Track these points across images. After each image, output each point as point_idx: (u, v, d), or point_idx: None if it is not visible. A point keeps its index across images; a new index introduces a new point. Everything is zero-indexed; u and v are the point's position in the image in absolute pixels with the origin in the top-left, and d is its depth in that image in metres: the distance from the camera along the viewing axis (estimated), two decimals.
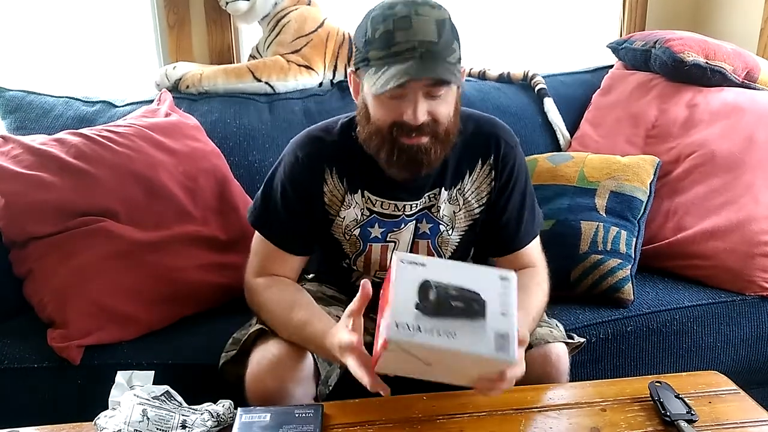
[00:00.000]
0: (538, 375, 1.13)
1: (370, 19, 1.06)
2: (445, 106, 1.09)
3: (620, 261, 1.52)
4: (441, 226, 1.23)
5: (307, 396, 1.12)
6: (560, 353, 1.17)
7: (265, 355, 1.11)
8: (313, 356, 1.14)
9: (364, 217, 1.21)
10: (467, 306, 0.87)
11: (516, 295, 0.90)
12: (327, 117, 1.28)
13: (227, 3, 1.87)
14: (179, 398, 1.03)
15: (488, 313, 0.87)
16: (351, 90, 1.18)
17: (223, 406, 1.03)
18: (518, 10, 2.25)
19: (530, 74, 2.01)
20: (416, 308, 0.86)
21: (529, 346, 1.14)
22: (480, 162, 1.21)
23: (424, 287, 0.88)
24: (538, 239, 1.29)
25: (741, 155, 1.64)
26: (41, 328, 1.34)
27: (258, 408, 1.02)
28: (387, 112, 1.08)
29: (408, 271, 0.88)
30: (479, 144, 1.21)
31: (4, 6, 1.86)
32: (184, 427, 0.97)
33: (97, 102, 1.75)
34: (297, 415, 1.00)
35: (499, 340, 0.86)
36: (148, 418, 0.95)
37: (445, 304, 0.87)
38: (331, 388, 1.16)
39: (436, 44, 1.03)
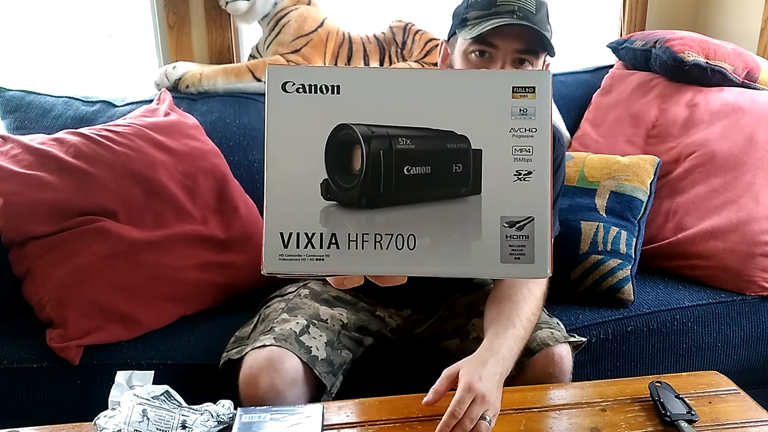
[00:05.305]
0: (541, 377, 1.13)
1: None
2: None
3: (620, 261, 1.52)
4: None
5: (299, 397, 1.11)
6: (563, 354, 1.17)
7: (256, 358, 1.10)
8: (314, 368, 1.13)
9: None
10: None
11: None
12: None
13: (227, 3, 1.86)
14: (179, 398, 1.02)
15: None
16: (438, 61, 1.26)
17: (223, 406, 1.02)
18: None
19: None
20: None
21: (531, 352, 1.15)
22: None
23: None
24: None
25: (741, 155, 1.64)
26: (40, 328, 1.33)
27: (258, 408, 1.02)
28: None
29: None
30: None
31: (4, 6, 1.86)
32: (184, 427, 0.96)
33: (97, 102, 1.74)
34: (297, 415, 1.00)
35: None
36: (148, 418, 0.95)
37: None
38: (333, 395, 1.17)
39: (534, 15, 1.11)
